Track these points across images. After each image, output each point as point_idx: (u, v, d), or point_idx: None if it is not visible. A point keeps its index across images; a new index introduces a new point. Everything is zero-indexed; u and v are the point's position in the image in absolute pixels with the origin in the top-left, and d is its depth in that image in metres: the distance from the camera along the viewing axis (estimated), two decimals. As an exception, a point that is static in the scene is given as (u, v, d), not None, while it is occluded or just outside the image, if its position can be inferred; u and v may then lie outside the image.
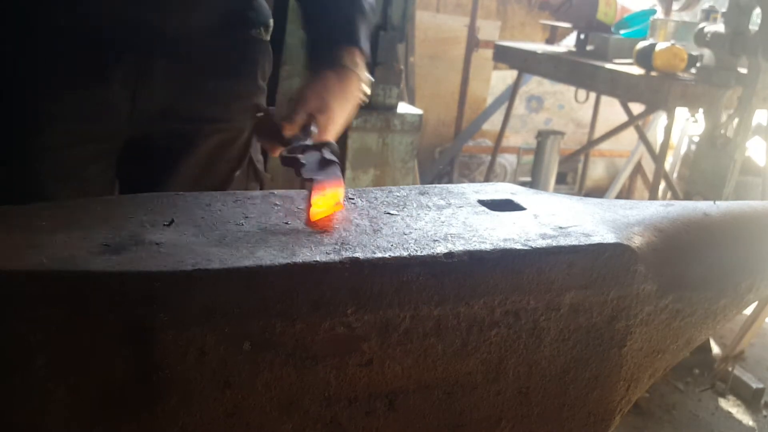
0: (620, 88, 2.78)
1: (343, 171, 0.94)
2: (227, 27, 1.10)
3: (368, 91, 1.09)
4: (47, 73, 1.01)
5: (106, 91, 1.03)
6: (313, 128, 0.99)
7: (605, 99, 3.80)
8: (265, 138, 1.08)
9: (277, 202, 0.77)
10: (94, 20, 1.00)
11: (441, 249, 0.67)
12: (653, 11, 3.33)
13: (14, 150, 1.02)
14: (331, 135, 1.02)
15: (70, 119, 1.03)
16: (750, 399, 2.55)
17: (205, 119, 1.12)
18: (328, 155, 0.90)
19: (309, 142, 0.97)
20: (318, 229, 0.71)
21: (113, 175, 1.12)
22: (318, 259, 0.62)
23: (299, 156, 0.91)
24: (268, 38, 1.18)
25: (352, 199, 0.81)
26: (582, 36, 3.32)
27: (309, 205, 0.75)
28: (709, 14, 2.85)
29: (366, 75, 1.08)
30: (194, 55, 1.08)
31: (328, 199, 0.76)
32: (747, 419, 2.46)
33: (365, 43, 1.06)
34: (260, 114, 1.12)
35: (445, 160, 4.43)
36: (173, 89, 1.07)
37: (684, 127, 4.02)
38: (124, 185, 1.15)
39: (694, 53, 2.64)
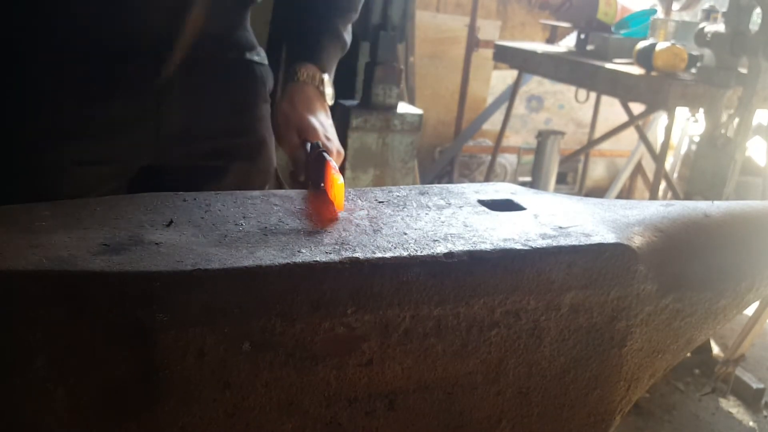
0: (620, 88, 2.78)
1: (342, 170, 0.98)
2: (229, 42, 1.11)
3: (330, 93, 1.15)
4: (64, 87, 0.99)
5: (128, 105, 1.02)
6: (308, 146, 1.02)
7: (605, 99, 3.81)
8: (296, 184, 1.11)
9: (277, 203, 0.77)
10: (109, 31, 0.99)
11: (441, 249, 0.67)
12: (653, 11, 3.33)
13: (31, 164, 1.00)
14: (324, 137, 1.04)
15: (90, 136, 1.01)
16: (750, 399, 2.55)
17: (231, 133, 1.12)
18: (314, 153, 0.92)
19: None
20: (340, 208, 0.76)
21: None
22: (318, 259, 0.62)
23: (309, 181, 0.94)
24: (266, 62, 1.19)
25: (352, 199, 0.81)
26: (582, 36, 3.32)
27: (332, 203, 0.77)
28: (709, 14, 2.85)
29: (325, 79, 1.14)
30: (207, 66, 1.08)
31: (333, 188, 0.78)
32: (747, 419, 2.46)
33: (321, 58, 1.15)
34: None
35: (445, 160, 4.43)
36: (193, 103, 1.06)
37: (684, 127, 4.02)
38: None
39: (695, 53, 2.64)
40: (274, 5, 1.20)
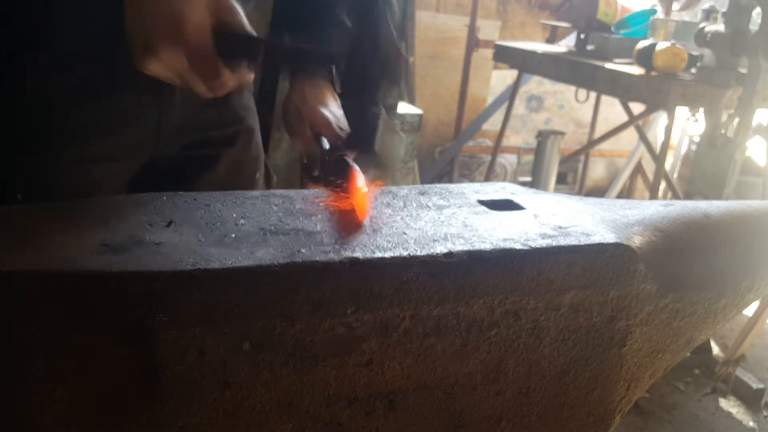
0: (620, 88, 2.78)
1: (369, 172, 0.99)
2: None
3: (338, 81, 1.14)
4: (70, 87, 0.99)
5: (133, 101, 1.02)
6: (325, 143, 1.01)
7: (605, 99, 3.81)
8: (310, 179, 1.09)
9: (277, 202, 0.77)
10: (109, 28, 0.99)
11: (441, 249, 0.67)
12: (653, 11, 3.33)
13: (35, 163, 1.00)
14: (337, 128, 1.03)
15: (96, 132, 1.01)
16: (750, 399, 2.55)
17: (222, 123, 1.12)
18: (335, 155, 0.91)
19: (328, 146, 1.00)
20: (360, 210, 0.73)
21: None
22: (318, 259, 0.62)
23: (331, 179, 0.93)
24: None
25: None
26: (582, 36, 3.32)
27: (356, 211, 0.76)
28: (709, 14, 2.86)
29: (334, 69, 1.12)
30: None
31: (357, 196, 0.77)
32: (747, 419, 2.46)
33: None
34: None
35: (445, 160, 4.43)
36: (189, 94, 1.07)
37: (684, 127, 4.02)
38: None
39: (695, 53, 2.64)
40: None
